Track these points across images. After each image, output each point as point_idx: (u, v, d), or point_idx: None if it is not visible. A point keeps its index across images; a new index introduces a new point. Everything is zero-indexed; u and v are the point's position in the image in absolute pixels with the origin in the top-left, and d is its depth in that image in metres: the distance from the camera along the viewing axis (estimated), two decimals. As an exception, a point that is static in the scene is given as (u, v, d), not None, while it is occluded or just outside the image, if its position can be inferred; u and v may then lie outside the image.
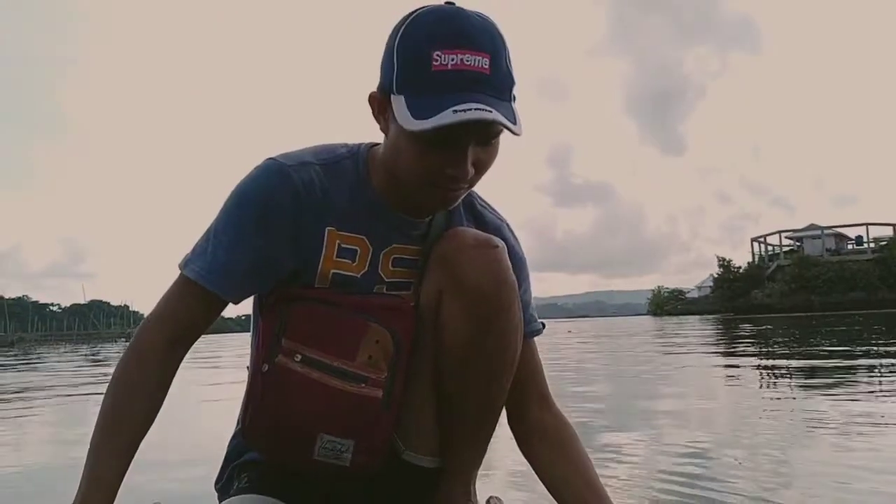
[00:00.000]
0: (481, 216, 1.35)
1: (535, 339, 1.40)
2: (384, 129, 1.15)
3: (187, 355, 1.23)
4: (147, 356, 1.19)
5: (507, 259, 1.20)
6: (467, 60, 1.04)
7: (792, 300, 37.35)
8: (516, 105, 1.08)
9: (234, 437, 1.33)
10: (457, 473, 1.30)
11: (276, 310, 1.21)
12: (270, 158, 1.21)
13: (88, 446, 1.13)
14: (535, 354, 1.38)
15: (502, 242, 1.21)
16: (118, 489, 1.12)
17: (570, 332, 19.20)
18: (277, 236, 1.18)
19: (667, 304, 59.10)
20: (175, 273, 1.22)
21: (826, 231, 45.72)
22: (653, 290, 65.57)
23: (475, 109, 1.01)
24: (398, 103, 1.06)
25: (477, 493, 1.34)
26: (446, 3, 1.10)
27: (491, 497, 1.57)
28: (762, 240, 48.72)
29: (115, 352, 16.20)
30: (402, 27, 1.08)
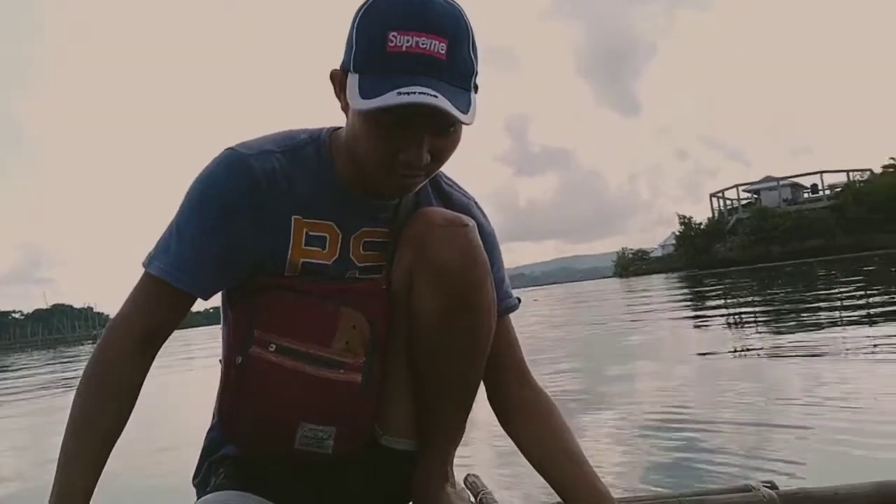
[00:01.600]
0: (448, 195, 1.34)
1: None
2: (344, 109, 1.14)
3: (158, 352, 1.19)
4: (116, 358, 1.16)
5: (478, 237, 1.19)
6: (423, 44, 1.03)
7: (753, 252, 37.99)
8: (475, 94, 1.08)
9: (210, 431, 1.31)
10: (434, 454, 1.29)
11: (246, 301, 1.20)
12: (229, 148, 1.19)
13: (59, 452, 1.10)
14: (511, 330, 1.37)
15: (472, 221, 1.20)
16: (91, 496, 1.10)
17: (536, 300, 19.41)
18: (242, 228, 1.16)
19: (632, 265, 59.73)
20: (139, 271, 1.18)
21: (782, 182, 46.50)
22: (617, 252, 66.19)
23: (419, 93, 1.00)
24: (352, 82, 1.05)
25: (454, 472, 1.34)
26: None
27: (468, 475, 1.60)
28: (720, 194, 49.44)
29: (84, 353, 15.90)
30: (366, 5, 1.07)
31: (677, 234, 49.63)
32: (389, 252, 1.26)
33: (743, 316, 6.35)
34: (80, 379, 1.17)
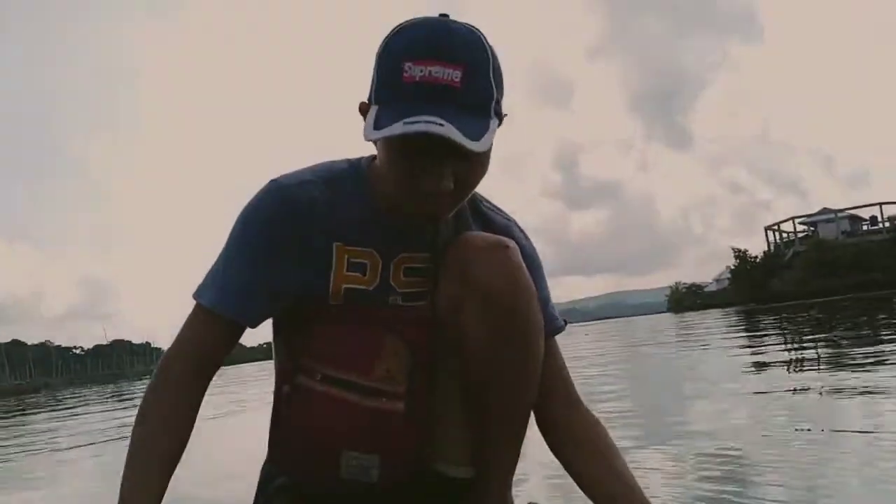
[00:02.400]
0: (488, 218, 1.34)
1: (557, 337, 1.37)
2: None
3: (212, 389, 1.23)
4: (171, 387, 1.19)
5: (520, 259, 1.19)
6: (436, 72, 1.03)
7: (811, 286, 37.00)
8: (495, 120, 1.08)
9: (265, 463, 1.33)
10: (490, 481, 1.27)
11: (293, 330, 1.23)
12: (272, 180, 1.21)
13: (120, 483, 1.13)
14: (558, 352, 1.35)
15: (513, 243, 1.20)
16: None
17: (587, 335, 19.16)
18: (286, 257, 1.18)
19: (686, 299, 58.67)
20: (191, 304, 1.23)
21: (840, 214, 45.39)
22: (671, 287, 65.09)
23: (424, 122, 1.00)
24: (371, 113, 1.07)
25: (514, 499, 1.33)
26: (440, 14, 1.10)
27: (529, 503, 1.60)
28: (776, 227, 48.37)
29: (142, 390, 16.22)
30: (388, 38, 1.08)
31: (732, 267, 48.61)
32: (432, 278, 1.26)
33: (804, 352, 6.09)
34: (138, 409, 1.20)
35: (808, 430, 2.50)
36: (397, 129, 1.01)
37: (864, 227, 45.35)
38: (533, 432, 1.31)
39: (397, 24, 1.10)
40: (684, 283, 63.89)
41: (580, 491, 1.28)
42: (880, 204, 44.63)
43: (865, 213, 45.99)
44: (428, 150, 1.06)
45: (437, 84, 1.03)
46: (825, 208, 46.87)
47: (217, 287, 1.20)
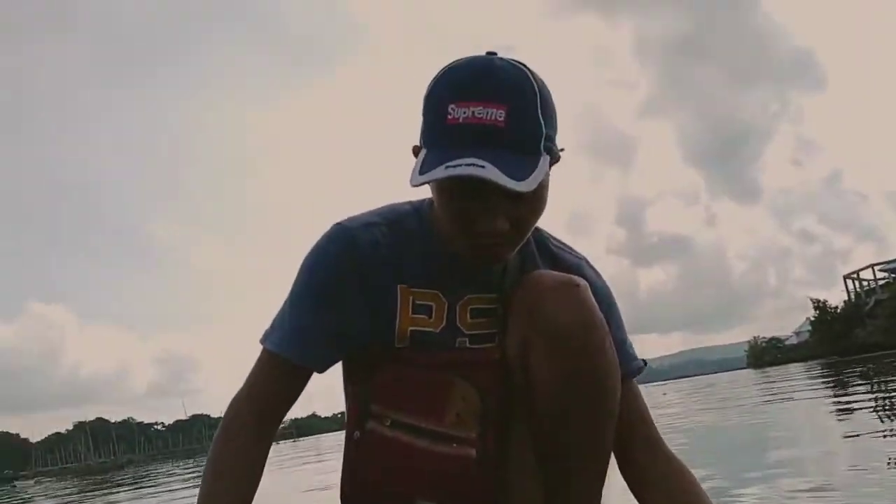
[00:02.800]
0: (558, 257, 1.31)
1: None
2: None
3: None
4: (237, 435, 1.18)
5: (591, 297, 1.14)
6: (479, 113, 1.00)
7: (897, 335, 35.47)
8: (546, 158, 1.04)
9: None
10: None
11: (362, 375, 1.20)
12: (336, 224, 1.20)
13: None
14: (638, 395, 1.31)
15: (584, 281, 1.16)
16: None
17: (665, 394, 18.63)
18: (351, 300, 1.17)
19: (765, 354, 56.66)
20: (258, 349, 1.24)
21: (921, 259, 43.70)
22: (749, 342, 63.02)
23: (465, 165, 0.98)
24: (419, 157, 1.05)
25: None
26: (487, 53, 1.09)
27: None
28: (855, 276, 46.74)
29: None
30: (434, 79, 1.07)
31: (812, 319, 46.95)
32: (499, 318, 1.23)
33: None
34: (207, 460, 1.19)
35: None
36: (438, 173, 1.00)
37: (950, 272, 43.43)
38: (613, 482, 1.24)
39: (445, 64, 1.08)
40: (763, 338, 61.75)
41: None
42: (965, 246, 42.70)
43: (949, 257, 44.07)
44: (477, 193, 1.04)
45: (481, 125, 1.01)
46: (906, 253, 45.08)
47: (282, 331, 1.20)
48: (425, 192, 1.21)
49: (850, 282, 47.03)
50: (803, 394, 8.78)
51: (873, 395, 6.87)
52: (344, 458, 1.21)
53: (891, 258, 45.97)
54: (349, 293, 1.17)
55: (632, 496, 1.30)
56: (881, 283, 44.17)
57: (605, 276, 1.37)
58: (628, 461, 1.28)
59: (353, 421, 1.20)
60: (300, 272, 1.20)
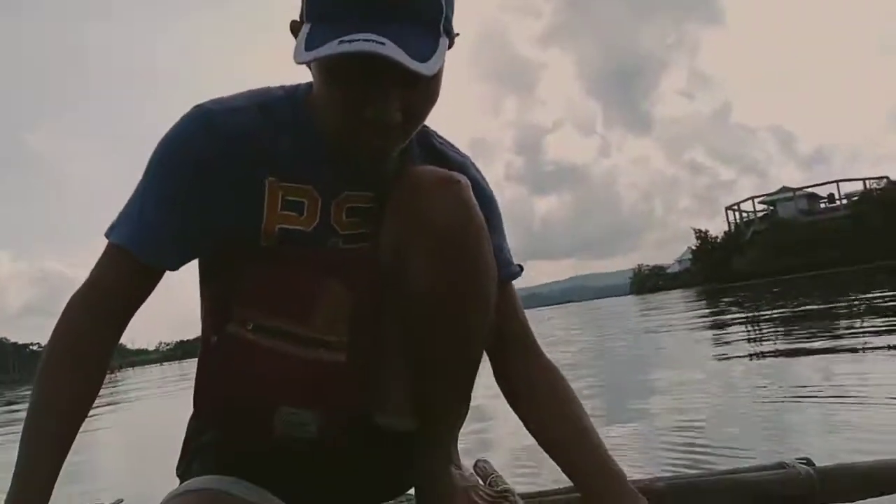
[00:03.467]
0: (441, 154, 1.24)
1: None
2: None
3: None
4: (81, 331, 1.08)
5: (473, 197, 1.09)
6: None
7: (772, 265, 37.61)
8: (446, 40, 0.97)
9: (191, 419, 1.21)
10: (436, 433, 1.20)
11: (222, 275, 1.11)
12: (196, 106, 1.10)
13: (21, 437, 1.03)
14: (515, 299, 1.28)
15: (465, 178, 1.10)
16: (52, 489, 1.01)
17: (550, 318, 19.31)
18: (212, 190, 1.06)
19: (648, 281, 59.53)
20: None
21: (798, 192, 46.25)
22: (633, 269, 65.97)
23: (363, 41, 0.90)
24: (302, 32, 0.96)
25: (462, 458, 1.27)
26: None
27: (478, 460, 1.49)
28: (736, 207, 49.26)
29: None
30: None
31: (693, 248, 49.37)
32: (375, 218, 1.15)
33: (762, 326, 6.25)
34: (41, 358, 1.08)
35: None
36: (331, 48, 0.90)
37: (822, 206, 46.24)
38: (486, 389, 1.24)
39: None
40: (647, 266, 64.88)
41: (530, 447, 1.24)
42: (837, 182, 45.59)
43: (824, 192, 46.90)
44: (371, 76, 0.96)
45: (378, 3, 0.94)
46: (784, 187, 47.81)
47: (132, 224, 1.07)
48: (300, 76, 1.14)
49: (731, 213, 49.61)
50: (674, 318, 9.42)
51: (743, 321, 7.34)
52: (198, 368, 1.11)
53: (771, 191, 48.54)
54: (210, 183, 1.06)
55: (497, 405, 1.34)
56: (760, 214, 46.67)
57: (502, 203, 1.33)
58: (503, 366, 1.25)
59: (210, 325, 1.10)
60: (153, 158, 1.08)
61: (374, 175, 1.15)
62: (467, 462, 1.31)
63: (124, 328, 1.13)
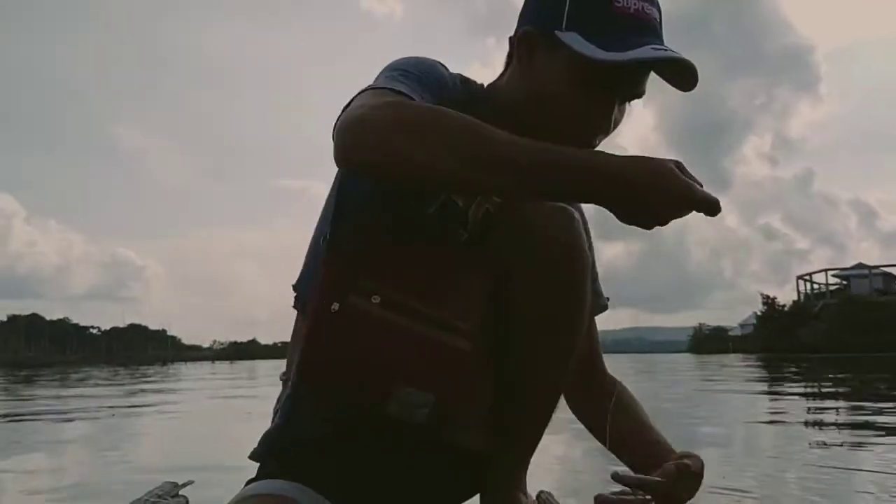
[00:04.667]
0: None
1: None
2: (524, 73, 1.10)
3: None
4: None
5: (583, 230, 1.13)
6: (647, 9, 1.03)
7: (839, 340, 36.23)
8: None
9: (278, 402, 1.21)
10: (510, 461, 1.21)
11: (353, 243, 1.09)
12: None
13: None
14: (595, 332, 1.35)
15: (577, 213, 1.14)
16: None
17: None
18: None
19: (708, 341, 57.98)
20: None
21: (874, 270, 44.64)
22: (694, 327, 64.38)
23: (670, 51, 1.00)
24: (571, 38, 1.03)
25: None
26: None
27: (541, 491, 1.53)
28: (808, 278, 47.69)
29: (154, 380, 16.07)
30: None
31: (759, 313, 47.92)
32: (496, 226, 1.15)
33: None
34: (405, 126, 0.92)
35: None
36: (647, 52, 0.99)
37: (898, 287, 44.48)
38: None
39: None
40: (708, 325, 63.23)
41: (587, 483, 1.24)
42: (917, 263, 43.80)
43: (901, 272, 45.11)
44: (613, 88, 1.06)
45: (648, 20, 1.04)
46: (860, 263, 46.14)
47: (407, 87, 1.02)
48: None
49: (802, 282, 48.09)
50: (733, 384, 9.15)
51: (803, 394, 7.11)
52: (306, 334, 1.06)
53: (846, 266, 47.01)
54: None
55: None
56: (832, 288, 45.16)
57: None
58: (576, 390, 1.31)
59: (330, 290, 1.05)
60: (407, 60, 1.09)
61: None
62: (531, 491, 1.31)
63: None
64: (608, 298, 1.37)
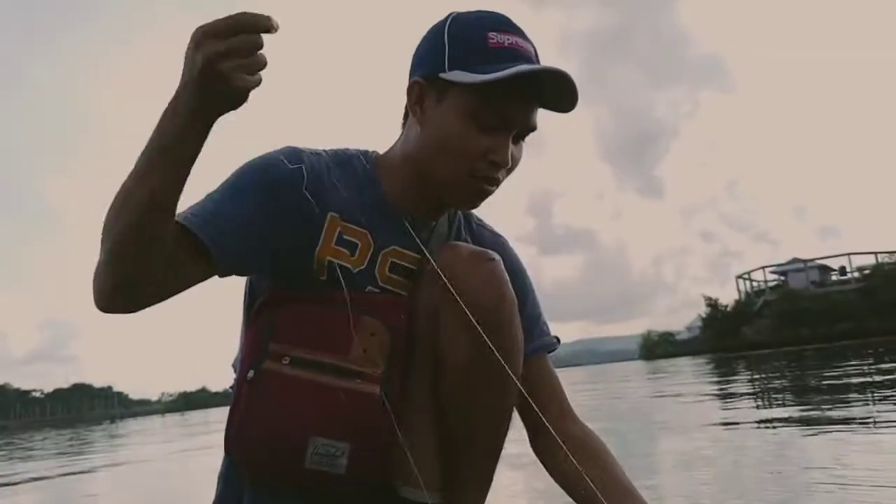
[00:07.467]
0: (479, 232, 1.35)
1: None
2: (420, 120, 1.14)
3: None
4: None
5: (505, 273, 1.14)
6: (521, 44, 1.10)
7: (782, 335, 37.13)
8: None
9: (224, 458, 1.23)
10: (462, 503, 1.21)
11: (264, 315, 1.15)
12: (289, 145, 1.20)
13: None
14: (551, 369, 1.33)
15: (498, 256, 1.16)
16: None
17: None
18: (279, 207, 1.12)
19: (657, 347, 58.79)
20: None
21: (809, 264, 45.92)
22: (643, 334, 65.26)
23: (547, 65, 1.06)
24: (455, 74, 1.09)
25: None
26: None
27: None
28: (747, 276, 48.83)
29: (99, 435, 15.53)
30: (448, 20, 1.13)
31: (703, 316, 48.85)
32: (412, 280, 1.21)
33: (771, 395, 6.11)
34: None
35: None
36: (523, 67, 1.05)
37: (834, 278, 45.85)
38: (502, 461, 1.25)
39: (447, 14, 1.16)
40: (656, 332, 64.12)
41: None
42: (849, 254, 45.28)
43: (835, 264, 46.54)
44: (505, 121, 1.09)
45: (525, 52, 1.10)
46: (795, 258, 47.42)
47: (202, 211, 1.06)
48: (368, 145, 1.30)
49: (742, 281, 49.19)
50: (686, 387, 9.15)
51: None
52: (233, 403, 1.12)
53: (782, 261, 48.26)
54: (280, 200, 1.12)
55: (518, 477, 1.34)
56: (771, 284, 46.28)
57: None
58: (540, 434, 1.27)
59: (248, 363, 1.12)
60: (240, 169, 1.14)
61: (425, 234, 1.24)
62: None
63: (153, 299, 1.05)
64: (557, 339, 1.37)
